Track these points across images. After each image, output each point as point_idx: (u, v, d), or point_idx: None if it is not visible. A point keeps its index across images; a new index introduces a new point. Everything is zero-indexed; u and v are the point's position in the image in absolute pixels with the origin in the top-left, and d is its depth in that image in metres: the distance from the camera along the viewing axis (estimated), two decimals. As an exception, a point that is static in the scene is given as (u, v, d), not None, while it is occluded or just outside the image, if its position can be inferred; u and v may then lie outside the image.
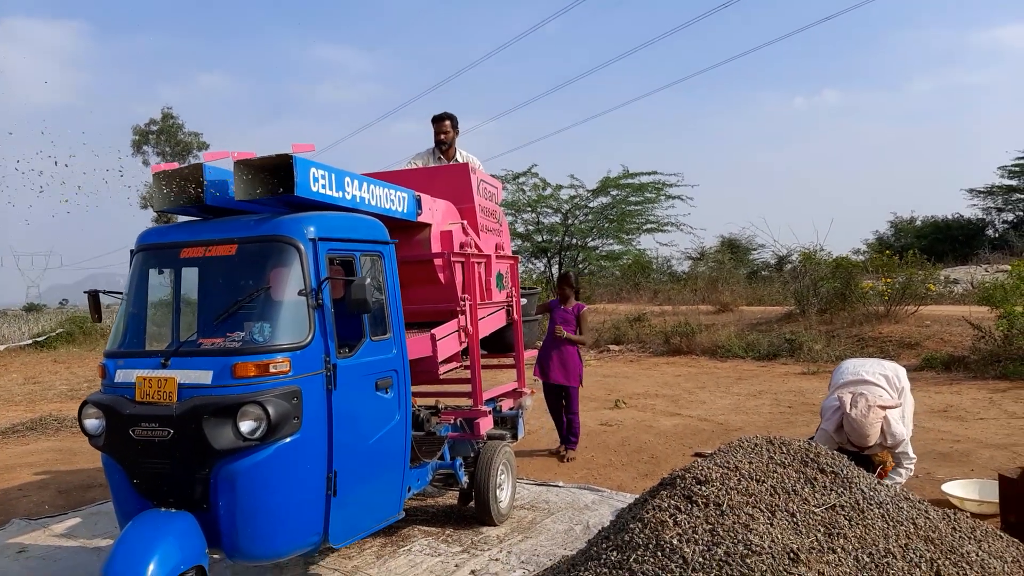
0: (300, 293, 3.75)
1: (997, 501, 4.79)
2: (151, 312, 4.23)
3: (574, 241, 22.64)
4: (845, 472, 3.58)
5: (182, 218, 4.52)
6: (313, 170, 3.97)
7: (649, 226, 23.17)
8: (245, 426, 3.49)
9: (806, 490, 3.40)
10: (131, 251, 4.27)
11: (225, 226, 4.03)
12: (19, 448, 8.78)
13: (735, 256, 27.56)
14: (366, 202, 4.47)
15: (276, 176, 3.94)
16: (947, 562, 3.15)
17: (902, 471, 5.07)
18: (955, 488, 5.27)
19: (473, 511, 5.28)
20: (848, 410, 4.89)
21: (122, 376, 3.80)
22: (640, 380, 12.10)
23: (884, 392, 5.09)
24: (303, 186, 3.88)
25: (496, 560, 4.56)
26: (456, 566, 4.49)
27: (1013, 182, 31.96)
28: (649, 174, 22.14)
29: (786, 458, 3.63)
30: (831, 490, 3.44)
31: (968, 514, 3.74)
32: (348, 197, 4.30)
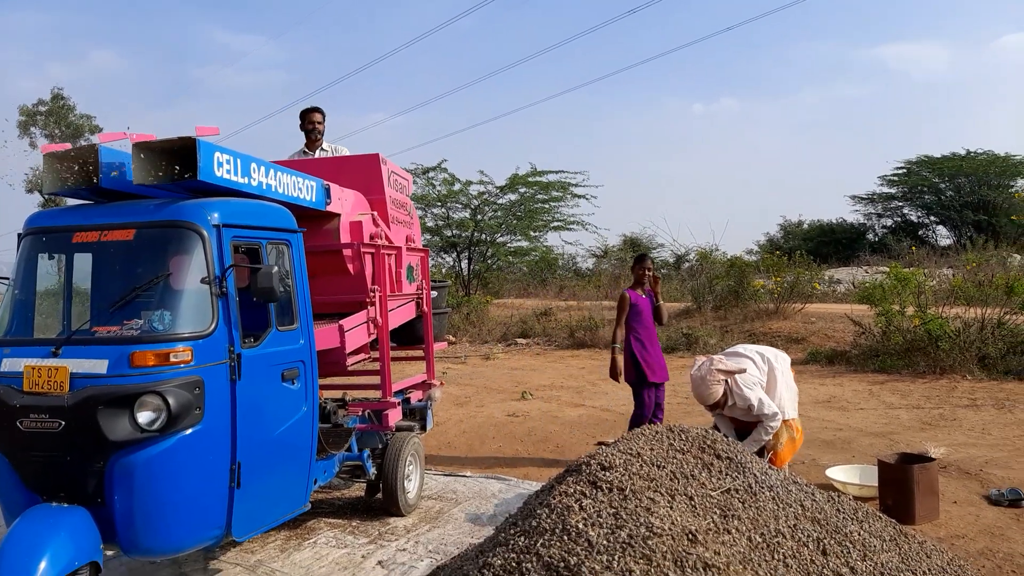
0: (203, 281, 3.65)
1: (876, 485, 5.12)
2: (40, 299, 4.02)
3: (483, 237, 22.67)
4: (739, 457, 3.77)
5: (73, 201, 4.31)
6: (217, 154, 3.86)
7: (556, 224, 23.49)
8: (143, 417, 3.37)
9: (703, 475, 3.55)
10: (19, 235, 4.05)
11: (122, 210, 3.87)
12: None
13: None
14: (273, 189, 4.37)
15: (177, 160, 3.80)
16: (832, 541, 3.36)
17: (767, 427, 5.21)
18: (838, 473, 5.59)
19: (380, 502, 5.26)
20: (692, 370, 5.14)
21: (8, 365, 3.59)
22: (546, 372, 12.28)
23: (741, 362, 5.28)
24: (207, 171, 3.76)
25: (404, 550, 4.56)
26: (363, 557, 4.47)
27: (892, 190, 34.15)
28: (556, 172, 22.45)
29: (685, 444, 3.79)
30: (726, 474, 3.61)
31: (850, 497, 3.99)
32: (254, 184, 4.19)
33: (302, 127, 6.26)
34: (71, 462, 3.40)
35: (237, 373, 3.69)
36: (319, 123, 6.25)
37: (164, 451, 3.41)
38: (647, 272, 6.51)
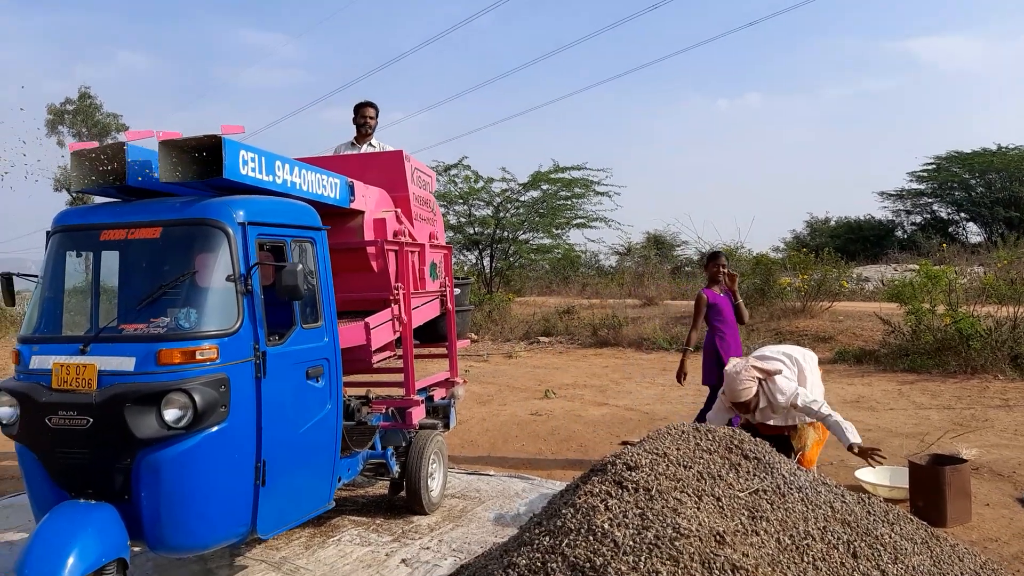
0: (229, 279, 3.66)
1: (907, 486, 5.03)
2: (68, 297, 4.06)
3: (505, 234, 22.66)
4: (767, 458, 3.71)
5: (99, 199, 4.34)
6: (243, 152, 3.87)
7: (578, 221, 23.44)
8: (170, 414, 3.39)
9: (731, 475, 3.50)
10: (47, 232, 4.09)
11: (149, 208, 3.89)
12: (-83, 441, 8.28)
13: (660, 252, 28.15)
14: (297, 187, 4.38)
15: (203, 158, 3.82)
16: (862, 543, 3.30)
17: (828, 417, 5.02)
18: (868, 474, 5.51)
19: (404, 500, 5.26)
20: (727, 367, 5.08)
21: (38, 362, 3.63)
22: (569, 371, 12.24)
23: (774, 364, 5.21)
24: (232, 168, 3.77)
25: (427, 548, 4.55)
26: (387, 555, 4.47)
27: (921, 187, 33.62)
28: (578, 169, 22.36)
29: (712, 444, 3.73)
30: (754, 475, 3.55)
31: (880, 498, 3.92)
32: (279, 181, 4.20)
33: (354, 120, 6.29)
34: (99, 459, 3.43)
35: (262, 371, 3.70)
36: (371, 118, 6.27)
37: (190, 448, 3.42)
38: (721, 269, 6.19)
